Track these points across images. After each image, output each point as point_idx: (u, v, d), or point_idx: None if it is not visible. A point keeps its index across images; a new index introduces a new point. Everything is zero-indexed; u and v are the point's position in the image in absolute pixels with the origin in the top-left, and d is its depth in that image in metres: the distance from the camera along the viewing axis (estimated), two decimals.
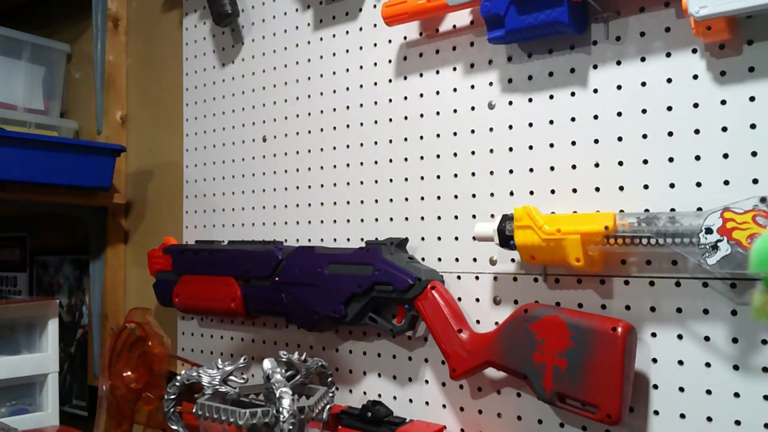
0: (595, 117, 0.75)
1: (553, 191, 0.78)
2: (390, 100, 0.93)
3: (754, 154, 0.65)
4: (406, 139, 0.91)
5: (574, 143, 0.76)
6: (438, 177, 0.87)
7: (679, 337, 0.69)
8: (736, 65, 0.66)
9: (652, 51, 0.71)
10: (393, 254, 0.85)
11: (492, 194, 0.82)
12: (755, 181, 0.64)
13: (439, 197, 0.87)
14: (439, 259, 0.87)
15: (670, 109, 0.70)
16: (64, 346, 1.41)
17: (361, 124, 0.96)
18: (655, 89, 0.71)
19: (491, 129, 0.83)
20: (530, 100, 0.80)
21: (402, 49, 0.92)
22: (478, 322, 0.83)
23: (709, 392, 0.67)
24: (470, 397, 0.83)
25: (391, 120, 0.92)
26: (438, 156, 0.87)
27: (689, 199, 0.68)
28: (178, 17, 1.24)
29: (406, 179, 0.90)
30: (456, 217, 0.85)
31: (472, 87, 0.85)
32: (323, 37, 1.01)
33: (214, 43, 1.17)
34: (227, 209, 1.13)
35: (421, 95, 0.90)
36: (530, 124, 0.80)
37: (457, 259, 0.85)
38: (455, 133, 0.86)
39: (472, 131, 0.84)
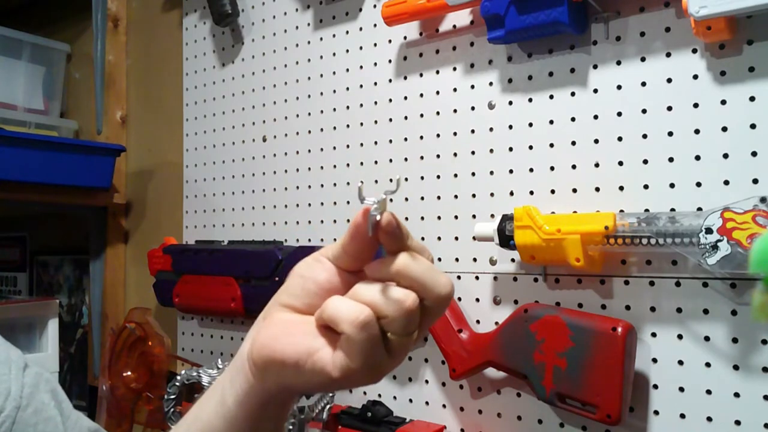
0: (595, 117, 0.75)
1: (553, 191, 0.78)
2: (390, 100, 0.93)
3: (754, 154, 0.65)
4: (406, 139, 0.91)
5: (574, 143, 0.76)
6: (438, 177, 0.87)
7: (679, 337, 0.69)
8: (736, 65, 0.66)
9: (652, 51, 0.71)
10: None
11: (492, 194, 0.82)
12: (755, 181, 0.64)
13: (439, 197, 0.87)
14: (439, 259, 0.86)
15: (670, 109, 0.70)
16: (64, 346, 1.41)
17: (361, 124, 0.95)
18: (655, 89, 0.71)
19: (491, 129, 0.83)
20: (530, 100, 0.80)
21: (402, 49, 0.92)
22: (478, 322, 0.83)
23: (709, 392, 0.67)
24: (470, 397, 0.83)
25: (391, 120, 0.92)
26: (438, 156, 0.87)
27: (689, 199, 0.68)
28: (178, 17, 1.24)
29: (406, 179, 0.90)
30: (456, 217, 0.85)
31: (472, 87, 0.85)
32: (323, 37, 1.00)
33: (214, 43, 1.16)
34: (227, 209, 1.13)
35: (421, 95, 0.90)
36: (530, 124, 0.80)
37: (457, 259, 0.85)
38: (455, 133, 0.86)
39: (472, 131, 0.84)
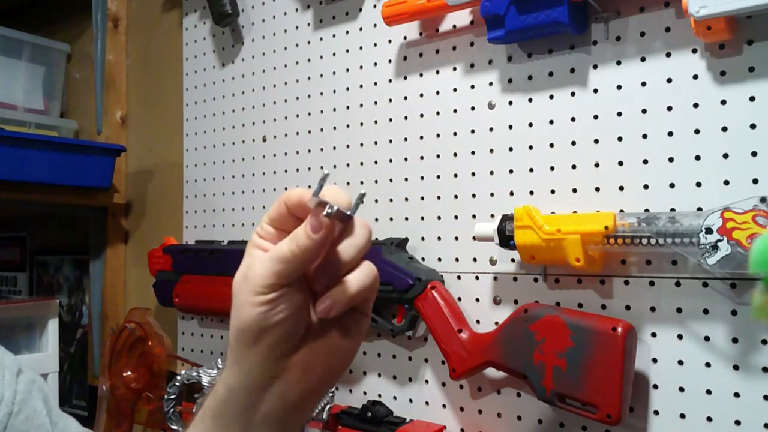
0: (595, 117, 0.75)
1: (553, 191, 0.78)
2: (390, 100, 0.93)
3: (754, 154, 0.65)
4: (406, 139, 0.91)
5: (574, 143, 0.76)
6: (438, 177, 0.87)
7: (679, 337, 0.69)
8: (736, 65, 0.66)
9: (652, 51, 0.71)
10: (393, 254, 0.85)
11: (492, 194, 0.82)
12: (755, 181, 0.64)
13: (439, 197, 0.87)
14: (439, 259, 0.86)
15: (670, 109, 0.70)
16: (64, 346, 1.41)
17: (361, 124, 0.95)
18: (655, 89, 0.71)
19: (491, 129, 0.83)
20: (530, 100, 0.80)
21: (402, 49, 0.92)
22: (478, 322, 0.83)
23: (709, 392, 0.67)
24: (470, 397, 0.83)
25: (391, 120, 0.92)
26: (438, 156, 0.87)
27: (689, 199, 0.68)
28: (178, 17, 1.24)
29: (406, 179, 0.90)
30: (456, 217, 0.85)
31: (472, 87, 0.85)
32: (323, 37, 1.00)
33: (214, 43, 1.16)
34: (227, 209, 1.13)
35: (421, 95, 0.89)
36: (530, 124, 0.80)
37: (457, 259, 0.85)
38: (455, 133, 0.86)
39: (472, 131, 0.84)
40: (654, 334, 0.70)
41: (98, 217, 1.36)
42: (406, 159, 0.91)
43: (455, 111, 0.86)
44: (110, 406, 1.12)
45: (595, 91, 0.75)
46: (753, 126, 0.65)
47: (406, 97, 0.91)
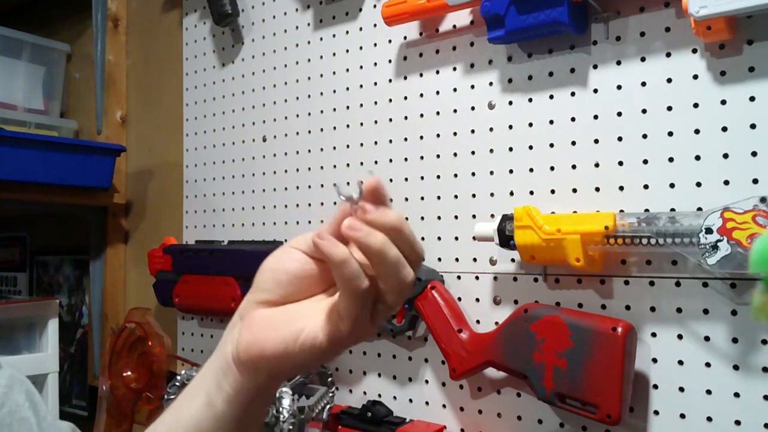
0: (595, 117, 0.75)
1: (553, 191, 0.78)
2: (390, 100, 0.93)
3: (754, 154, 0.65)
4: (406, 139, 0.91)
5: (574, 143, 0.76)
6: (438, 177, 0.87)
7: (679, 337, 0.69)
8: (736, 65, 0.66)
9: (652, 51, 0.71)
10: None
11: (492, 194, 0.82)
12: (755, 181, 0.64)
13: (439, 197, 0.87)
14: (439, 259, 0.86)
15: (670, 109, 0.70)
16: (64, 346, 1.41)
17: (361, 124, 0.95)
18: (655, 89, 0.71)
19: (491, 129, 0.83)
20: (530, 100, 0.80)
21: (402, 49, 0.92)
22: (478, 322, 0.83)
23: (709, 392, 0.67)
24: (470, 397, 0.83)
25: (391, 120, 0.92)
26: (438, 156, 0.87)
27: (689, 199, 0.68)
28: (178, 17, 1.24)
29: (406, 179, 0.90)
30: (456, 217, 0.85)
31: (472, 87, 0.85)
32: (323, 37, 1.00)
33: (214, 43, 1.16)
34: (227, 209, 1.13)
35: (421, 95, 0.90)
36: (530, 124, 0.80)
37: (457, 259, 0.85)
38: (455, 133, 0.86)
39: (472, 131, 0.84)
40: (654, 334, 0.70)
41: (98, 217, 1.36)
42: (406, 159, 0.91)
43: (455, 111, 0.86)
44: (110, 406, 1.12)
45: (595, 91, 0.75)
46: (753, 126, 0.65)
47: (406, 97, 0.91)
